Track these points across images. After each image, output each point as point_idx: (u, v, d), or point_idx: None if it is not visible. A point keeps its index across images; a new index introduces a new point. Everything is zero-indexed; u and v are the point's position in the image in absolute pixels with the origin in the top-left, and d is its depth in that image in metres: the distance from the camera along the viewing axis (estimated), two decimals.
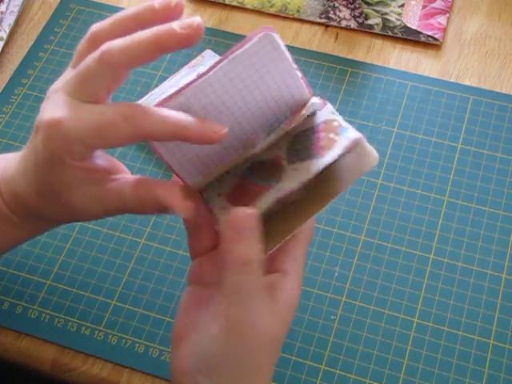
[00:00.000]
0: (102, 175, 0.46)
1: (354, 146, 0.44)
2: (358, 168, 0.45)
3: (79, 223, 0.63)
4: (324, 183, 0.45)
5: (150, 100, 0.69)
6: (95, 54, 0.43)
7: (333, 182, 0.45)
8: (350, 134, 0.44)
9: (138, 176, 0.47)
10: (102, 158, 0.47)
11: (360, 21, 0.74)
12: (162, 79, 0.71)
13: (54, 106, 0.44)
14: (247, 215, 0.41)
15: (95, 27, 0.46)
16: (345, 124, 0.45)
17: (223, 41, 0.73)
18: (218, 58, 0.71)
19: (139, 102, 0.69)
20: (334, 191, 0.45)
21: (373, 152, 0.45)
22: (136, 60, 0.43)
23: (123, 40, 0.43)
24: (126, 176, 0.47)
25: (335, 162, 0.44)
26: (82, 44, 0.47)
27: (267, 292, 0.43)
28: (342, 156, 0.44)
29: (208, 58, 0.72)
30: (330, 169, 0.44)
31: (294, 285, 0.44)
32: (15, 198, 0.48)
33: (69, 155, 0.43)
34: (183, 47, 0.43)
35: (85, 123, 0.42)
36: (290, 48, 0.73)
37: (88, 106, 0.43)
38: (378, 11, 0.74)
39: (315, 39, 0.74)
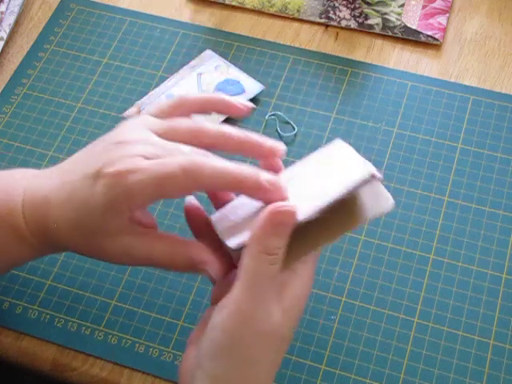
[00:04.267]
0: (141, 228, 0.47)
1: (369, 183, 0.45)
2: (373, 208, 0.46)
3: None
4: (338, 216, 0.46)
5: (151, 100, 0.69)
6: (185, 163, 0.44)
7: (347, 217, 0.46)
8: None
9: (166, 233, 0.48)
10: (143, 212, 0.48)
11: (360, 21, 0.74)
12: (162, 79, 0.71)
13: (122, 159, 0.45)
14: (288, 211, 0.43)
15: (184, 96, 0.50)
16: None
17: (223, 41, 0.73)
18: (217, 57, 0.71)
19: (139, 102, 0.69)
20: (346, 225, 0.46)
21: (389, 197, 0.46)
22: (219, 188, 0.47)
23: (216, 163, 0.45)
24: (157, 232, 0.49)
25: (353, 198, 0.45)
26: (167, 103, 0.50)
27: (278, 288, 0.44)
28: (356, 190, 0.45)
29: (208, 58, 0.72)
30: (347, 203, 0.45)
31: (302, 285, 0.45)
32: (42, 224, 0.49)
33: (128, 205, 0.45)
34: (262, 196, 0.45)
35: (147, 175, 0.44)
36: (290, 48, 0.73)
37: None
38: (377, 11, 0.74)
39: (315, 39, 0.74)
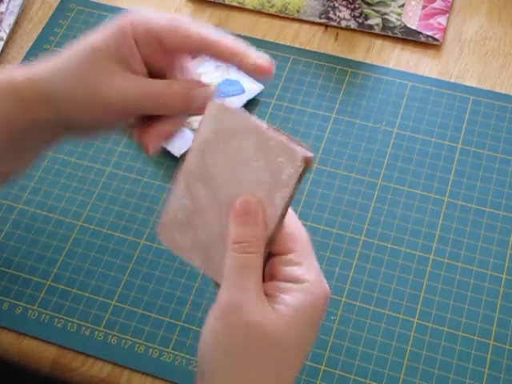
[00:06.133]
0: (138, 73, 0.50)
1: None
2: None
3: (79, 223, 0.63)
4: None
5: None
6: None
7: None
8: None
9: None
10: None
11: (360, 21, 0.74)
12: None
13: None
14: (242, 200, 0.42)
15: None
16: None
17: None
18: None
19: None
20: None
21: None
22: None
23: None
24: None
25: None
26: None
27: (268, 292, 0.42)
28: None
29: (207, 58, 0.72)
30: None
31: (306, 294, 0.42)
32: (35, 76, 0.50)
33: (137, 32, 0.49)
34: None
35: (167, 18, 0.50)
36: (290, 48, 0.73)
37: None
38: (377, 11, 0.74)
39: (315, 39, 0.74)
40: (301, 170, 0.41)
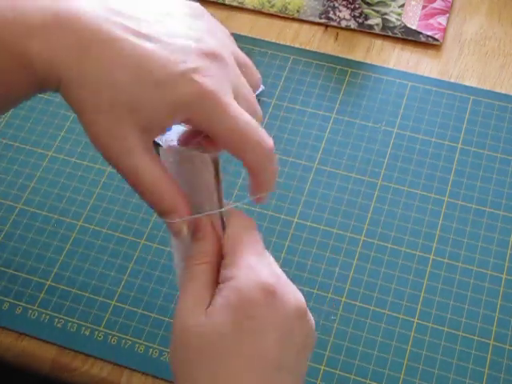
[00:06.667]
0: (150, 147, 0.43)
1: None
2: None
3: (79, 223, 0.63)
4: None
5: None
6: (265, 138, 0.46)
7: None
8: None
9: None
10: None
11: (360, 21, 0.74)
12: None
13: (221, 80, 0.46)
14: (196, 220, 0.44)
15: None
16: None
17: None
18: None
19: None
20: None
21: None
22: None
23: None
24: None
25: None
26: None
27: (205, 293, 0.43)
28: None
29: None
30: None
31: (230, 290, 0.42)
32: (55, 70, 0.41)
33: (184, 111, 0.42)
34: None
35: (234, 122, 0.45)
36: (290, 48, 0.73)
37: None
38: (377, 11, 0.74)
39: (315, 39, 0.74)
40: (212, 168, 0.44)
